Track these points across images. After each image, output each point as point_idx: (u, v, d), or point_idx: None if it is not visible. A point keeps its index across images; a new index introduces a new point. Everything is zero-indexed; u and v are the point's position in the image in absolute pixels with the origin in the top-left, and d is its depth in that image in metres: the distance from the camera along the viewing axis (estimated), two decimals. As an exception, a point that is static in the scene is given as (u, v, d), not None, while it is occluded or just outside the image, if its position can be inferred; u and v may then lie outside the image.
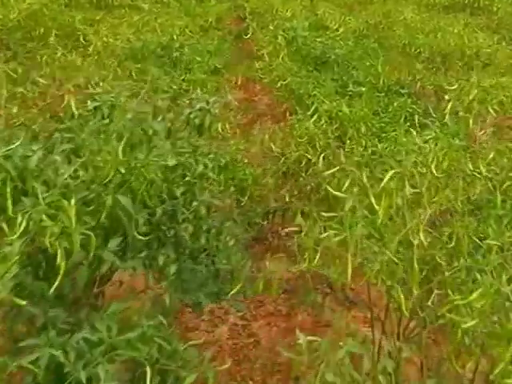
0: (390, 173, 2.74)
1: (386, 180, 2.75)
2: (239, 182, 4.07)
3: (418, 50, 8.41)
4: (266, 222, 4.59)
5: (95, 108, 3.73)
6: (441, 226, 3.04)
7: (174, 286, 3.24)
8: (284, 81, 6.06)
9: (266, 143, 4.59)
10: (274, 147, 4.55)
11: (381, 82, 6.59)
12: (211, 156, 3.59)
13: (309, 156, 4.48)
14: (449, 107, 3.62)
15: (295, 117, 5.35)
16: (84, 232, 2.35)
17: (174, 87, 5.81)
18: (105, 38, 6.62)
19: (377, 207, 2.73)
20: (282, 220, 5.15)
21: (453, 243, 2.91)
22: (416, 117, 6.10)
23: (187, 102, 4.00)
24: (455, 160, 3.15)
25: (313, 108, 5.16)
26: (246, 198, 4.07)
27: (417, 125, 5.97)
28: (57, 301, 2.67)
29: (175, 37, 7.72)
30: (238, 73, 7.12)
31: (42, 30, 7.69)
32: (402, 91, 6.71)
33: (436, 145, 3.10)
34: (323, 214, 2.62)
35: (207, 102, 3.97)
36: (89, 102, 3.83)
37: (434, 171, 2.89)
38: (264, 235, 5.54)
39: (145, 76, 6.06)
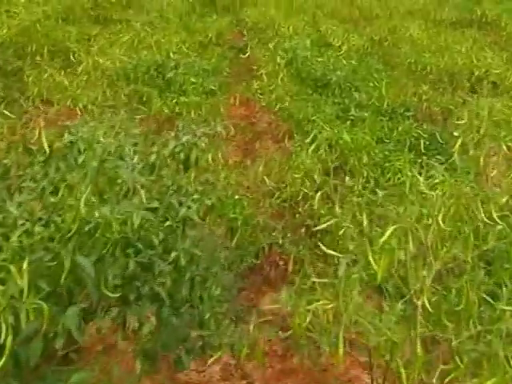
0: (392, 228, 2.41)
1: (386, 236, 2.43)
2: (228, 223, 3.76)
3: (425, 69, 8.10)
4: (258, 261, 4.26)
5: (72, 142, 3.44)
6: (448, 278, 2.71)
7: (152, 342, 2.92)
8: (282, 104, 5.75)
9: (259, 176, 4.27)
10: (268, 181, 4.23)
11: (385, 104, 6.28)
12: (196, 197, 3.26)
13: (305, 190, 4.15)
14: (457, 145, 3.29)
15: (293, 144, 5.04)
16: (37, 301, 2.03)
17: (166, 111, 5.51)
18: (96, 57, 6.32)
19: (375, 267, 2.40)
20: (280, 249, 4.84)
21: (461, 305, 2.58)
22: (422, 143, 5.80)
23: (172, 134, 3.69)
24: (465, 206, 2.82)
25: (311, 135, 4.84)
26: (236, 239, 3.74)
27: (422, 154, 5.68)
28: (15, 370, 2.36)
29: (171, 54, 7.43)
30: (236, 92, 6.80)
31: (34, 47, 7.43)
32: (408, 113, 6.39)
33: (443, 191, 2.77)
34: (316, 279, 2.28)
35: (194, 134, 3.66)
36: (66, 134, 3.53)
37: (442, 223, 2.56)
38: (260, 264, 5.22)
39: (136, 98, 5.77)
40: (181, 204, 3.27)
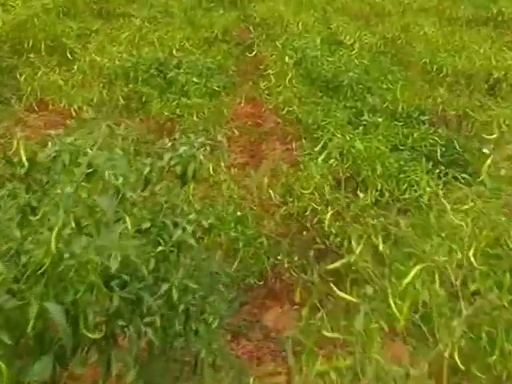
0: (417, 268, 2.05)
1: (410, 277, 2.07)
2: (229, 242, 3.41)
3: (440, 70, 7.71)
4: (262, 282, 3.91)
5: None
6: (480, 325, 2.35)
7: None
8: (291, 106, 5.38)
9: (264, 189, 3.92)
10: (273, 194, 3.87)
11: (399, 108, 5.90)
12: (192, 217, 2.91)
13: (314, 205, 3.79)
14: (487, 164, 2.92)
15: (301, 151, 4.69)
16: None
17: (166, 113, 5.16)
18: (94, 55, 5.97)
19: (397, 314, 2.05)
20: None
21: (495, 354, 2.22)
22: (438, 150, 5.44)
23: (169, 144, 3.33)
24: (498, 236, 2.46)
25: (321, 143, 4.48)
26: (237, 262, 3.40)
27: (439, 162, 5.32)
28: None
29: (174, 51, 7.07)
30: (242, 92, 6.43)
31: (30, 43, 7.08)
32: (423, 118, 6.01)
33: (472, 219, 2.42)
34: (326, 333, 1.93)
35: (192, 146, 3.30)
36: (49, 144, 3.19)
37: (474, 260, 2.21)
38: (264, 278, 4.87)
39: (136, 98, 5.43)
40: (176, 225, 2.93)
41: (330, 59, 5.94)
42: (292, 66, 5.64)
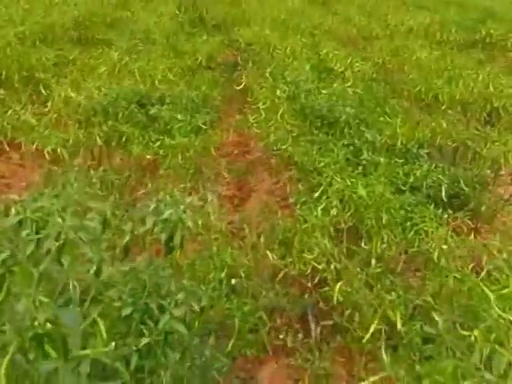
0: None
1: None
2: (223, 318, 2.97)
3: (436, 98, 7.37)
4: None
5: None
6: None
7: None
8: (284, 144, 4.97)
9: (261, 249, 3.49)
10: (270, 255, 3.44)
11: (398, 143, 5.53)
12: (181, 297, 2.47)
13: (316, 265, 3.37)
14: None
15: (298, 199, 4.27)
16: None
17: (148, 156, 4.72)
18: (69, 90, 5.52)
19: None
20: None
21: None
22: (443, 190, 5.06)
23: (153, 205, 2.89)
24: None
25: (320, 189, 4.07)
26: (233, 340, 2.95)
27: (442, 201, 4.95)
28: None
29: (157, 82, 6.65)
30: (229, 127, 6.01)
31: (3, 75, 6.62)
32: (422, 152, 5.63)
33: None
34: None
35: (179, 207, 2.87)
36: (13, 209, 2.75)
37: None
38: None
39: (114, 138, 4.99)
40: (162, 309, 2.49)
41: (323, 91, 5.54)
42: (284, 99, 5.23)
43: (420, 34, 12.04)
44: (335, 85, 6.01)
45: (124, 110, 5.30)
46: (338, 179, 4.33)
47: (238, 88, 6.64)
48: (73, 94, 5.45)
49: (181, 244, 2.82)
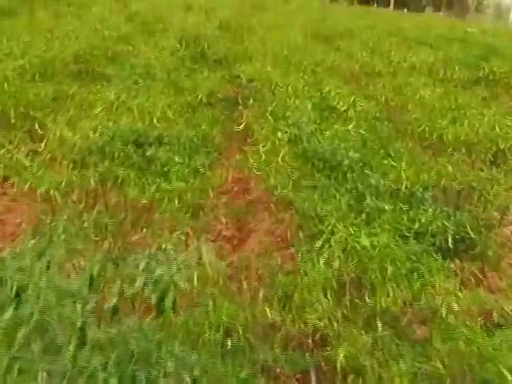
0: None
1: None
2: None
3: (440, 138, 7.22)
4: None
5: None
6: None
7: None
8: (284, 188, 4.80)
9: (259, 304, 3.29)
10: (269, 312, 3.24)
11: (403, 187, 5.36)
12: (171, 368, 2.27)
13: (318, 323, 3.17)
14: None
15: (299, 248, 4.08)
16: None
17: (144, 201, 4.55)
18: (65, 129, 5.38)
19: None
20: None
21: None
22: (449, 238, 4.87)
23: (144, 262, 2.71)
24: None
25: (322, 239, 3.89)
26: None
27: (448, 249, 4.77)
28: None
29: (155, 120, 6.51)
30: (228, 168, 5.84)
31: (-1, 111, 6.49)
32: (426, 195, 5.46)
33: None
34: None
35: (171, 265, 2.68)
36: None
37: None
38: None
39: (110, 179, 4.83)
40: (150, 380, 2.29)
41: (326, 133, 5.39)
42: (285, 142, 5.08)
43: (423, 71, 11.97)
44: (337, 126, 5.86)
45: (120, 151, 5.14)
46: (341, 227, 4.14)
47: (238, 129, 6.50)
48: (68, 134, 5.30)
49: (173, 305, 2.62)
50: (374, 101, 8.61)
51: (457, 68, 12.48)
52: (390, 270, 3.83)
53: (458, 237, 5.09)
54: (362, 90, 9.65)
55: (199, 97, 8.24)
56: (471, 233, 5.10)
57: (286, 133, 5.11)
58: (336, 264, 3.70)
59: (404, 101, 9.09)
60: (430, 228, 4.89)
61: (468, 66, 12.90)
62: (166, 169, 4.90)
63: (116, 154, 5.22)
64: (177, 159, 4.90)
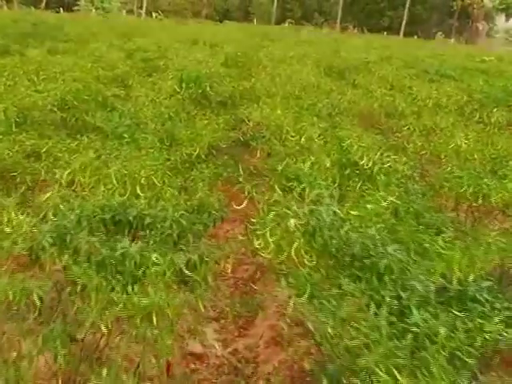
0: None
1: None
2: None
3: (487, 202, 5.94)
4: None
5: None
6: None
7: None
8: (299, 298, 3.54)
9: None
10: None
11: (453, 283, 4.07)
12: None
13: None
14: None
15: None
16: None
17: (104, 329, 3.29)
18: (18, 210, 4.18)
19: None
20: None
21: None
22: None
23: None
24: None
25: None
26: None
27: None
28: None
29: (138, 189, 5.32)
30: (227, 257, 4.53)
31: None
32: (483, 294, 4.14)
33: None
34: None
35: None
36: None
37: None
38: None
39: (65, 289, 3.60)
40: None
41: (352, 213, 4.13)
42: (300, 232, 3.82)
43: (450, 110, 10.70)
44: (364, 195, 4.61)
45: (85, 243, 3.91)
46: (382, 371, 2.87)
47: (238, 207, 5.22)
48: (20, 217, 4.10)
49: None
50: (400, 152, 7.36)
51: (484, 101, 11.28)
52: None
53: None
54: (386, 137, 8.41)
55: (197, 151, 7.03)
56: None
57: (299, 219, 3.84)
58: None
59: (435, 148, 7.85)
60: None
61: (498, 102, 11.66)
62: (139, 272, 3.64)
63: (80, 245, 3.99)
64: (154, 258, 3.65)
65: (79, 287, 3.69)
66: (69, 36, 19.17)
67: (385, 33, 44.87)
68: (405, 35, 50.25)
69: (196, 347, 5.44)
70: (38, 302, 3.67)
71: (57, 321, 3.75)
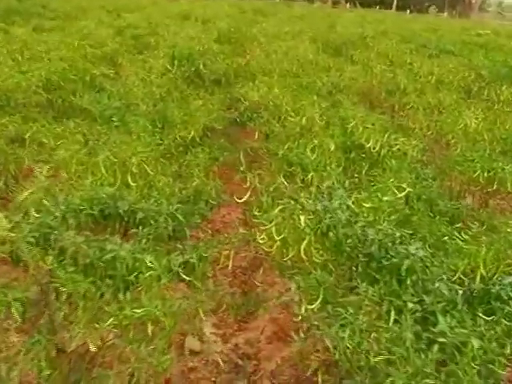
0: None
1: None
2: None
3: (503, 186, 5.58)
4: None
5: None
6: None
7: None
8: (312, 304, 3.17)
9: None
10: None
11: (477, 281, 3.72)
12: None
13: None
14: None
15: None
16: None
17: (93, 348, 2.91)
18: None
19: None
20: None
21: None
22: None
23: None
24: None
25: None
26: None
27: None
28: None
29: (129, 178, 4.91)
30: (231, 246, 4.14)
31: None
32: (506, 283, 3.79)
33: None
34: None
35: None
36: None
37: None
38: None
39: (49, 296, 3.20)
40: None
41: (365, 205, 3.74)
42: (310, 230, 3.43)
43: (454, 86, 10.27)
44: (378, 187, 4.22)
45: (71, 244, 3.52)
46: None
47: (239, 200, 4.80)
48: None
49: None
50: (407, 132, 6.96)
51: (488, 77, 10.85)
52: None
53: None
54: (390, 116, 8.00)
55: (191, 134, 6.61)
56: None
57: (309, 216, 3.44)
58: None
59: (441, 128, 7.45)
60: None
61: (502, 78, 11.22)
62: (132, 277, 3.25)
63: (66, 246, 3.59)
64: (147, 261, 3.25)
65: (65, 294, 3.30)
66: (56, 13, 18.53)
67: (377, 7, 44.07)
68: (397, 9, 49.42)
69: (194, 344, 5.10)
70: (20, 311, 3.29)
71: (42, 330, 3.38)
